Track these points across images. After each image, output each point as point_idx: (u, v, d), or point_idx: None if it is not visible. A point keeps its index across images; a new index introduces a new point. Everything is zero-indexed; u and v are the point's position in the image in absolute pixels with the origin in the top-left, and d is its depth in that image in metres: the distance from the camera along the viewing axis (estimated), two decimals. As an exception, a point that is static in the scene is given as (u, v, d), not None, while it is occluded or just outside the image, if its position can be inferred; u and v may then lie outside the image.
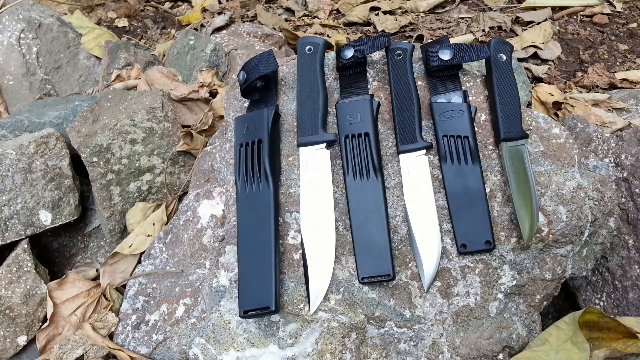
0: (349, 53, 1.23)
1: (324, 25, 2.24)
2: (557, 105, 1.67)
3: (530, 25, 2.15)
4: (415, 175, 1.14)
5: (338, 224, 1.12)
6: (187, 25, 2.20)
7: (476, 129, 1.21)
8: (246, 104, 1.29)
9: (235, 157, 1.17)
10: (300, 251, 1.10)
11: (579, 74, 1.95)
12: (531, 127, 1.23)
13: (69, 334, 1.23)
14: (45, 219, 1.37)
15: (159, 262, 1.24)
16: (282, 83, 1.31)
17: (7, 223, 1.33)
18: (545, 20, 2.16)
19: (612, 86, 1.84)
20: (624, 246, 1.28)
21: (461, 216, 1.10)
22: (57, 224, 1.39)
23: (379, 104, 1.20)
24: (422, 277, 1.08)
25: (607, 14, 2.19)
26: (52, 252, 1.51)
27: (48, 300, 1.26)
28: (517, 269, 1.11)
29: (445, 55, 1.21)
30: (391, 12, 2.29)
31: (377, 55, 1.32)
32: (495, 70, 1.23)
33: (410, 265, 1.10)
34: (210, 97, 1.61)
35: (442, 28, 2.20)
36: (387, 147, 1.20)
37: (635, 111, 1.61)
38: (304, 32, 2.22)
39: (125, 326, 1.20)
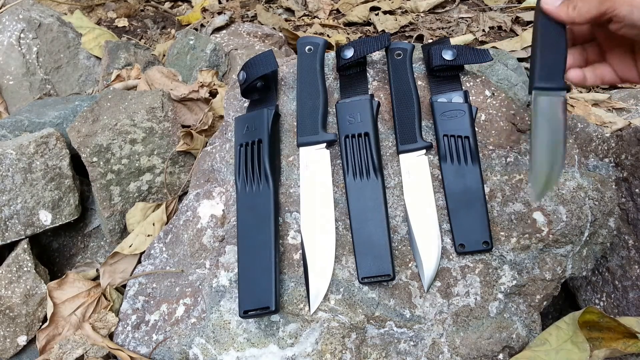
0: (349, 53, 1.23)
1: (324, 25, 2.24)
2: (557, 105, 1.67)
3: (530, 25, 2.15)
4: (415, 175, 1.14)
5: (338, 224, 1.12)
6: (187, 25, 2.20)
7: (476, 129, 1.21)
8: (246, 104, 1.29)
9: (235, 157, 1.17)
10: (300, 251, 1.10)
11: (579, 74, 1.94)
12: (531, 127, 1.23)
13: (69, 334, 1.23)
14: (45, 219, 1.37)
15: (159, 262, 1.24)
16: (282, 83, 1.31)
17: (7, 223, 1.33)
18: (545, 20, 2.15)
19: (612, 86, 1.84)
20: (624, 246, 1.28)
21: (460, 216, 1.10)
22: (57, 224, 1.39)
23: (379, 104, 1.19)
24: (422, 277, 1.08)
25: (607, 14, 2.18)
26: (52, 252, 1.50)
27: (48, 300, 1.26)
28: (517, 269, 1.11)
29: (448, 55, 1.21)
30: (391, 12, 2.29)
31: (377, 55, 1.32)
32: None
33: (410, 265, 1.10)
34: (210, 97, 1.61)
35: (442, 28, 2.20)
36: (387, 147, 1.20)
37: (635, 111, 1.61)
38: (304, 32, 2.22)
39: (125, 326, 1.20)
